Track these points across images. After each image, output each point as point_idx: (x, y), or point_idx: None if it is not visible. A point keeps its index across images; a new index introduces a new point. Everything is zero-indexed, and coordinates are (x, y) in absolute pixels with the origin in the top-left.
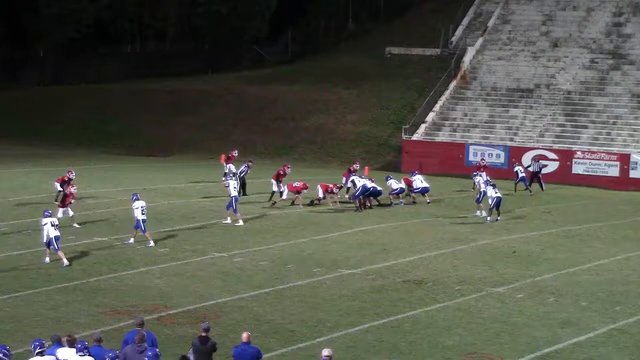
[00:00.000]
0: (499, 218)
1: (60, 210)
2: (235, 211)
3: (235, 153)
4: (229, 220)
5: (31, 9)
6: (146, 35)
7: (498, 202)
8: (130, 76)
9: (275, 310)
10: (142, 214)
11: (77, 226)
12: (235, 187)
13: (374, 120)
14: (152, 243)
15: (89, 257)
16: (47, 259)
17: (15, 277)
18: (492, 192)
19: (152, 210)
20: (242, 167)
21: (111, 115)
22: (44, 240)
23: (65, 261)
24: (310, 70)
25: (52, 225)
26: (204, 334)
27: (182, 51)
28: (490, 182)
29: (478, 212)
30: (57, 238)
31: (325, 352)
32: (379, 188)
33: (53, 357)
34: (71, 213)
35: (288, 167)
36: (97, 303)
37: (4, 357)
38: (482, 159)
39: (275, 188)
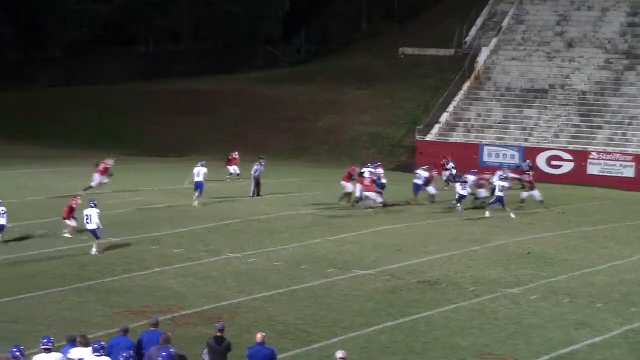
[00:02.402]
0: (459, 207)
1: (67, 222)
2: (198, 194)
3: (235, 154)
4: (196, 204)
5: (44, 9)
6: (159, 35)
7: (461, 199)
8: (143, 76)
9: (289, 311)
10: (87, 222)
11: (69, 236)
12: (198, 174)
13: (388, 120)
14: (94, 250)
15: (103, 257)
16: None
17: (30, 278)
18: (458, 189)
19: (167, 210)
20: (255, 166)
21: (124, 116)
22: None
23: None
24: (323, 70)
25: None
26: (219, 334)
27: (195, 51)
28: (461, 179)
29: (488, 213)
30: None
31: (339, 354)
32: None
33: (60, 354)
34: (74, 223)
35: (356, 167)
36: (112, 303)
37: (20, 357)
38: (445, 156)
39: (349, 189)
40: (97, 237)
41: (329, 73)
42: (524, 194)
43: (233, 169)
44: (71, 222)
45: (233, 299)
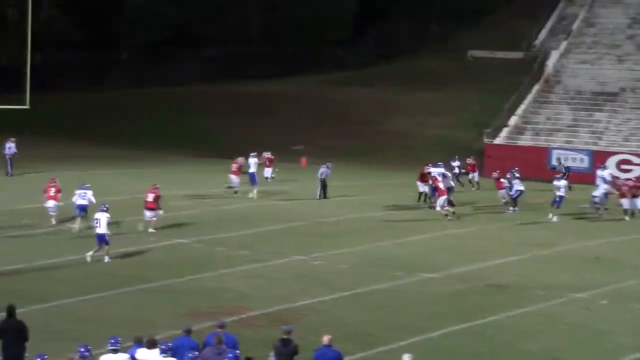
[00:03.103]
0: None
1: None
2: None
3: (268, 154)
4: (252, 195)
5: (116, 12)
6: (228, 38)
7: (517, 196)
8: (212, 78)
9: (355, 314)
10: (96, 225)
11: (152, 230)
12: (255, 163)
13: (456, 123)
14: (89, 258)
15: (170, 258)
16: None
17: (98, 278)
18: (517, 185)
19: (233, 212)
20: (322, 169)
21: (193, 118)
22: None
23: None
24: (391, 73)
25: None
26: (285, 336)
27: (264, 54)
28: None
29: (551, 216)
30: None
31: (406, 357)
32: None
33: (127, 355)
34: (154, 217)
35: (429, 166)
36: (178, 304)
37: (87, 357)
38: (470, 157)
39: (422, 189)
40: (107, 243)
41: (398, 75)
42: (624, 203)
43: (267, 171)
44: (152, 216)
45: (299, 301)
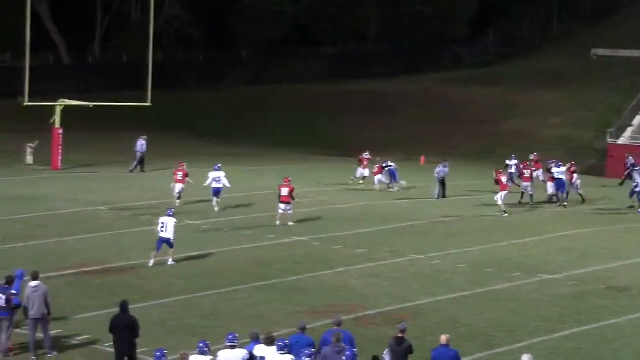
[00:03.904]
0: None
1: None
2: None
3: (366, 154)
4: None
5: (235, 10)
6: (347, 36)
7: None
8: (330, 77)
9: (473, 314)
10: (162, 230)
11: (292, 224)
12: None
13: (577, 123)
14: (151, 261)
15: (287, 256)
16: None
17: (217, 274)
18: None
19: (350, 210)
20: (438, 168)
21: (310, 116)
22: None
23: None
24: (512, 72)
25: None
26: (400, 335)
27: (382, 52)
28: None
29: None
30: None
31: (526, 358)
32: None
33: (244, 351)
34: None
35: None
36: (295, 302)
37: (205, 350)
38: (534, 153)
39: (550, 190)
40: (172, 246)
41: (518, 74)
42: None
43: (360, 172)
44: (287, 209)
45: (416, 301)
